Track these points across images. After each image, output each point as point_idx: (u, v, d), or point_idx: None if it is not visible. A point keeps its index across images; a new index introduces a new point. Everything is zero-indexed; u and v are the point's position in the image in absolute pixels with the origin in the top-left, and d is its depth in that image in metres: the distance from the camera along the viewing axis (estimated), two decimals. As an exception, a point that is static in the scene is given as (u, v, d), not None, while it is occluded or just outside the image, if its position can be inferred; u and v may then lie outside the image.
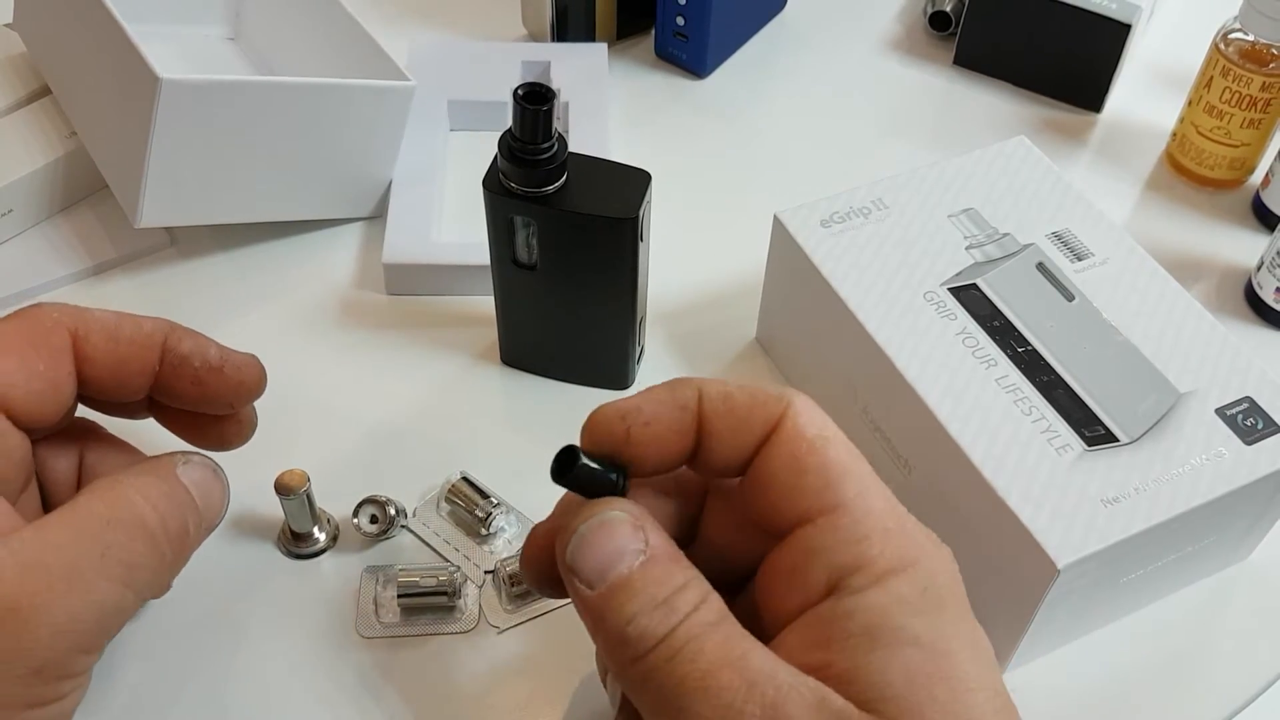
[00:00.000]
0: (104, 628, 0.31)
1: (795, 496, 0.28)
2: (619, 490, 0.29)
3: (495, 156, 0.43)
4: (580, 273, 0.45)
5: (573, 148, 0.62)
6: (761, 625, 0.29)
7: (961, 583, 0.29)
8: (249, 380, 0.38)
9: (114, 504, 0.32)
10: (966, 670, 0.27)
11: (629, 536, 0.28)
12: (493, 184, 0.43)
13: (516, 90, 0.40)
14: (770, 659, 0.27)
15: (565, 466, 0.29)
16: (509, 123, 0.41)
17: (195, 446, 0.39)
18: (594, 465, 0.29)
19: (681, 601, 0.27)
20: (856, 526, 0.28)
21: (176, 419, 0.39)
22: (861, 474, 0.29)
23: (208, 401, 0.38)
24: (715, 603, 0.27)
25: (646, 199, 0.43)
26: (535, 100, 0.40)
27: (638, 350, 0.49)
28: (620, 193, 0.43)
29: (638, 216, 0.42)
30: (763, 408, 0.29)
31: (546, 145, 0.41)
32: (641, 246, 0.44)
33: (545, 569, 0.31)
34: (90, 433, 0.38)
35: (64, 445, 0.37)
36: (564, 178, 0.42)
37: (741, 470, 0.30)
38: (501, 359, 0.50)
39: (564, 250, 0.44)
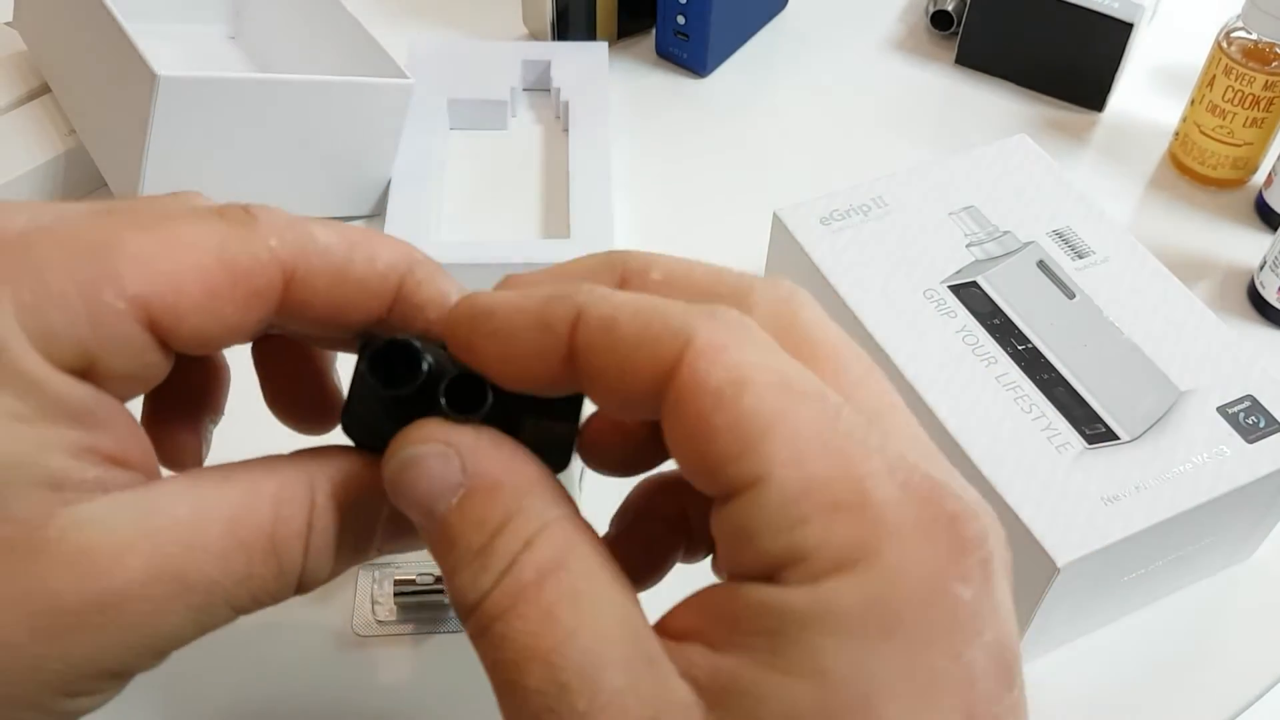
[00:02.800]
0: (191, 640, 0.23)
1: (708, 467, 0.20)
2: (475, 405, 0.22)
3: (349, 394, 0.25)
4: None
5: (572, 148, 0.61)
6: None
7: (961, 589, 0.20)
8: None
9: (285, 531, 0.23)
10: None
11: (441, 469, 0.22)
12: (363, 435, 0.25)
13: (363, 353, 0.24)
14: (605, 643, 0.20)
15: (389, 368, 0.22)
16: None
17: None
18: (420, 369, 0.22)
19: (500, 550, 0.21)
20: (789, 507, 0.20)
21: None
22: (798, 426, 0.20)
23: None
24: (545, 547, 0.21)
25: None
26: (394, 379, 0.23)
27: None
28: (544, 440, 0.24)
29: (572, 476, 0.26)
30: (652, 345, 0.21)
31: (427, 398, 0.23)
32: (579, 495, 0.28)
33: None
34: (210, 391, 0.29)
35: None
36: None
37: (647, 415, 0.22)
38: None
39: None
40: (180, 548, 0.22)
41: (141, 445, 0.24)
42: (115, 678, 0.22)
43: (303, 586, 0.24)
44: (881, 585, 0.19)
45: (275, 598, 0.23)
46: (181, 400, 0.29)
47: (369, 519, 0.24)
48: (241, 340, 0.25)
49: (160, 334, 0.23)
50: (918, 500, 0.20)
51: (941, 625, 0.20)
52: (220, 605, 0.23)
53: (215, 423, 0.30)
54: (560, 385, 0.22)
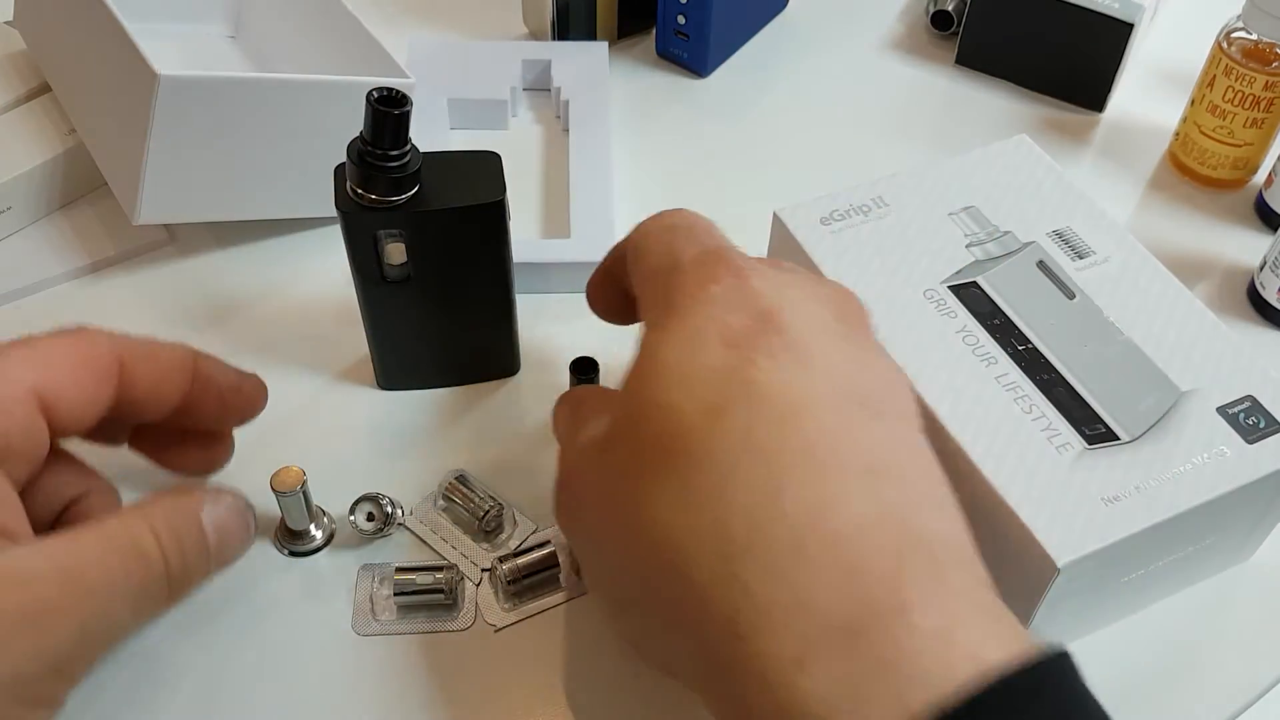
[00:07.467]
0: (107, 647, 0.34)
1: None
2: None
3: (342, 176, 0.42)
4: (454, 271, 0.44)
5: (573, 148, 0.62)
6: None
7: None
8: (260, 397, 0.42)
9: (132, 534, 0.33)
10: (666, 356, 0.32)
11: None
12: (349, 204, 0.41)
13: (371, 94, 0.38)
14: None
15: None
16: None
17: (178, 471, 0.42)
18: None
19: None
20: None
21: (163, 447, 0.42)
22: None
23: (226, 419, 0.41)
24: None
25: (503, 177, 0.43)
26: (391, 103, 0.39)
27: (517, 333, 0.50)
28: (478, 179, 0.43)
29: (504, 199, 0.43)
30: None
31: (408, 149, 0.40)
32: (510, 225, 0.44)
33: (611, 302, 0.40)
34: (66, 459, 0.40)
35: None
36: (419, 180, 0.42)
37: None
38: (379, 384, 0.49)
39: (435, 253, 0.43)
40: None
41: (10, 512, 0.34)
42: None
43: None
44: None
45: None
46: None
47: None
48: (95, 417, 0.37)
49: (49, 414, 0.35)
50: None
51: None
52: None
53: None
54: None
